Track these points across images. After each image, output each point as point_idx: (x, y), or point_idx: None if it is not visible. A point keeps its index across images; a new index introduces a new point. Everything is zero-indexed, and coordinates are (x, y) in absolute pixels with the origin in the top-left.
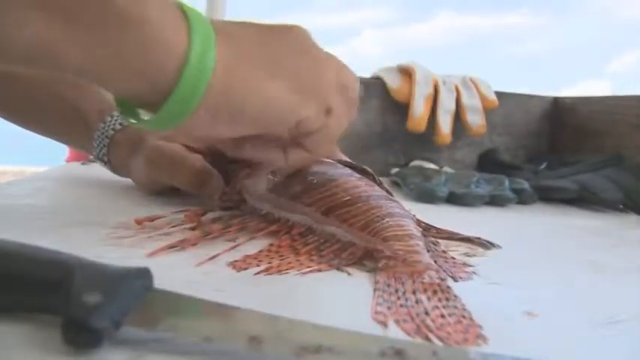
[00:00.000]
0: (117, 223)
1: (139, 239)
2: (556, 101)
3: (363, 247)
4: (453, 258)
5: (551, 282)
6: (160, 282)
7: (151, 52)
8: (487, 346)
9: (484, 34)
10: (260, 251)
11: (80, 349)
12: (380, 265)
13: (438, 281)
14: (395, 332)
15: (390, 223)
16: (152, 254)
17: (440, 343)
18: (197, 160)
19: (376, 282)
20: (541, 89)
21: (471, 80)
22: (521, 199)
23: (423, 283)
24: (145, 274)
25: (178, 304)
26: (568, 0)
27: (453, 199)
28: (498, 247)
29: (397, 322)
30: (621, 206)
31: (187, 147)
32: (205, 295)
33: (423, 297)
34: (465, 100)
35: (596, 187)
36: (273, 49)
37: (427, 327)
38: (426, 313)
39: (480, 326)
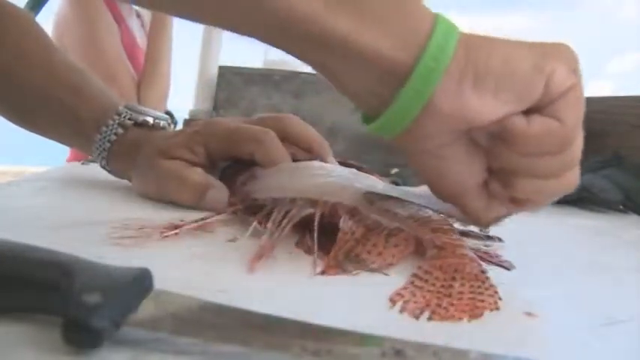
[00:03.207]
0: (117, 223)
1: (139, 239)
2: None
3: (413, 235)
4: (486, 251)
5: (551, 282)
6: (160, 282)
7: (409, 17)
8: (487, 346)
9: (484, 35)
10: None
11: (80, 349)
12: (430, 254)
13: (476, 272)
14: (395, 332)
15: (433, 216)
16: (252, 269)
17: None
18: (197, 174)
19: (418, 268)
20: None
21: None
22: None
23: (464, 272)
24: (145, 274)
25: (178, 305)
26: (568, 0)
27: None
28: (499, 240)
29: (407, 301)
30: (621, 206)
31: (187, 161)
32: (206, 296)
33: (457, 284)
34: None
35: (596, 188)
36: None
37: (429, 307)
38: (449, 296)
39: (481, 313)
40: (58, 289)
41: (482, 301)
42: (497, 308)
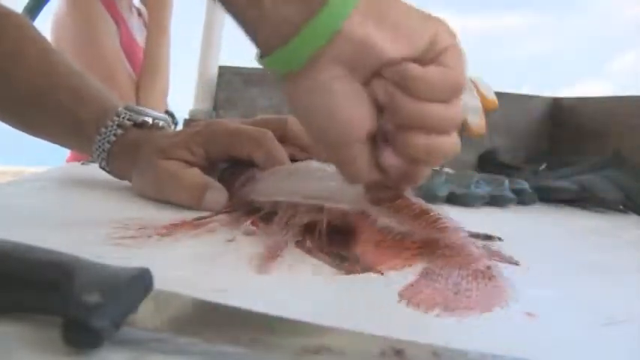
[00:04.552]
0: (117, 223)
1: (139, 239)
2: (556, 101)
3: (423, 237)
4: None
5: (551, 282)
6: (160, 282)
7: None
8: (487, 346)
9: (484, 35)
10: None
11: (80, 349)
12: (438, 253)
13: (483, 269)
14: (395, 332)
15: (437, 216)
16: (266, 271)
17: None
18: (195, 175)
19: (426, 268)
20: (541, 89)
21: (471, 81)
22: (521, 199)
23: (472, 270)
24: (145, 274)
25: (178, 304)
26: (568, 0)
27: (453, 200)
28: (499, 239)
29: (415, 297)
30: (621, 206)
31: (186, 161)
32: (205, 295)
33: (464, 281)
34: (466, 100)
35: (596, 188)
36: None
37: (440, 303)
38: (457, 292)
39: (498, 306)
40: (58, 289)
41: (493, 297)
42: (507, 305)
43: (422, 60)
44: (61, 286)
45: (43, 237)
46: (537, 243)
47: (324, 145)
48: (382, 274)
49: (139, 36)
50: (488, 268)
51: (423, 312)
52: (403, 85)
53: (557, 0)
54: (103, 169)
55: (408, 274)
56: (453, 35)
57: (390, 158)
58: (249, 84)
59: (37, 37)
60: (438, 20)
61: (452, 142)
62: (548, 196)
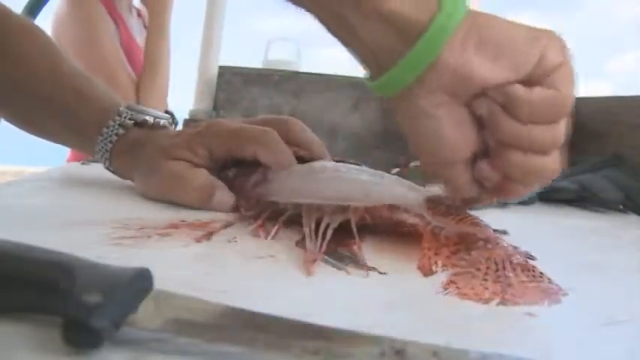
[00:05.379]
0: (117, 223)
1: (139, 239)
2: None
3: (457, 232)
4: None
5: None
6: (160, 282)
7: None
8: (487, 346)
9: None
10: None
11: (80, 349)
12: (477, 245)
13: (522, 262)
14: (395, 332)
15: (466, 212)
16: (310, 273)
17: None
18: (203, 176)
19: (462, 259)
20: None
21: None
22: (521, 199)
23: (512, 262)
24: (145, 274)
25: (178, 305)
26: (568, 0)
27: None
28: (505, 233)
29: (461, 288)
30: (621, 206)
31: (191, 162)
32: (205, 296)
33: (512, 274)
34: None
35: (596, 188)
36: None
37: (497, 294)
38: (510, 285)
39: (558, 293)
40: (58, 289)
41: (550, 287)
42: (567, 293)
43: (528, 80)
44: (61, 286)
45: (43, 237)
46: (537, 243)
47: (429, 163)
48: (385, 274)
49: (139, 36)
50: (526, 261)
51: (480, 303)
52: (506, 106)
53: (558, 0)
54: (108, 169)
55: (403, 271)
56: (563, 52)
57: (486, 171)
58: (249, 84)
59: (42, 38)
60: (547, 36)
61: (551, 163)
62: (548, 196)
